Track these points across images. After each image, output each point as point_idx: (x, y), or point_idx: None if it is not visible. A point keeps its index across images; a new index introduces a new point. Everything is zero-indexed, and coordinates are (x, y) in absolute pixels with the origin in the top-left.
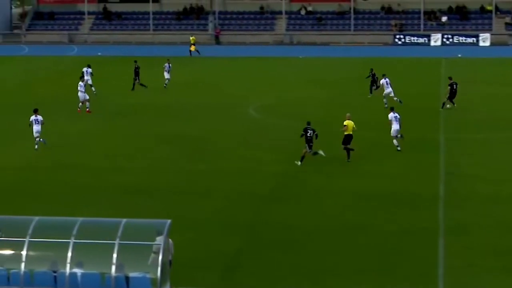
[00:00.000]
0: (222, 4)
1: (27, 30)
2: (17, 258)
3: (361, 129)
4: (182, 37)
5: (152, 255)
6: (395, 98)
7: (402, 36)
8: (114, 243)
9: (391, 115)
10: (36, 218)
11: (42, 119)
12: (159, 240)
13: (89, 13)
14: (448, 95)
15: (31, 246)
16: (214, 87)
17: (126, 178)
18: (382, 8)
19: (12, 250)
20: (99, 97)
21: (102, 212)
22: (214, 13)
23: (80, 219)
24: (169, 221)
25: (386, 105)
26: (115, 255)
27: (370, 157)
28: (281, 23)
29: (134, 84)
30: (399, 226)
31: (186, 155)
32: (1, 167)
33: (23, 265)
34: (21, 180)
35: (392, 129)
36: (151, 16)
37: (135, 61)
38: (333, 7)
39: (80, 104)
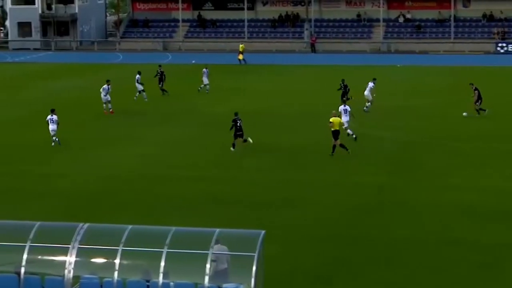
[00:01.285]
0: (318, 12)
1: (121, 37)
2: (110, 266)
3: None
4: (277, 45)
5: (212, 263)
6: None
7: (504, 44)
8: (207, 253)
9: (341, 108)
10: (129, 226)
11: (57, 118)
12: (217, 249)
13: (184, 20)
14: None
15: (124, 255)
16: (309, 95)
17: (218, 188)
18: (484, 15)
19: (105, 258)
20: (190, 106)
21: (193, 221)
22: (309, 20)
23: (173, 228)
24: (263, 232)
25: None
26: (208, 266)
27: (466, 168)
28: (379, 31)
29: (163, 90)
30: (498, 240)
31: (279, 164)
32: (96, 175)
33: (116, 273)
34: (110, 189)
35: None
36: (246, 23)
37: (159, 66)
38: (432, 14)
39: (104, 105)
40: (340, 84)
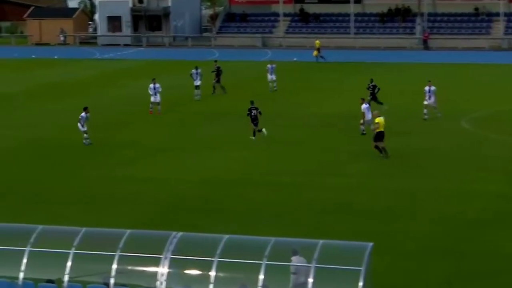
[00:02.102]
0: (431, 5)
1: (217, 33)
2: (204, 278)
3: None
4: (386, 41)
5: (292, 276)
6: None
7: None
8: (310, 267)
9: (363, 106)
10: (226, 236)
11: (88, 116)
12: (295, 260)
13: (285, 14)
14: None
15: (220, 267)
16: (422, 96)
17: (320, 195)
18: None
19: (200, 270)
20: (289, 107)
21: (294, 231)
22: (422, 15)
23: (273, 239)
24: (370, 244)
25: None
26: (311, 280)
27: None
28: (499, 26)
29: (216, 88)
30: None
31: (386, 171)
32: (188, 179)
33: (211, 286)
34: (204, 194)
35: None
36: (352, 18)
37: (215, 61)
38: None
39: (151, 105)
40: (368, 84)
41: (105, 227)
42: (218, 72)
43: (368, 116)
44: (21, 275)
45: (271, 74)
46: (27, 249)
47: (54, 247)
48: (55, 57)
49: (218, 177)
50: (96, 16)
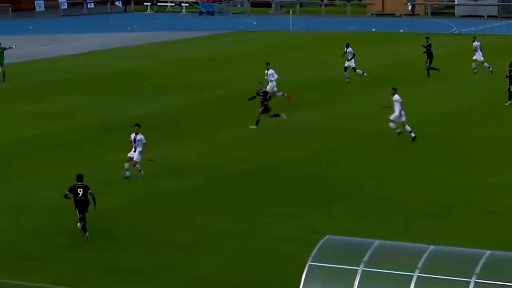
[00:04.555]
0: None
1: None
2: None
3: None
4: None
5: None
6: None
7: None
8: None
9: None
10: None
11: (143, 139)
12: None
13: None
14: None
15: None
16: None
17: None
18: None
19: None
20: None
21: None
22: None
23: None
24: None
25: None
26: None
27: None
28: None
29: (428, 70)
30: None
31: None
32: None
33: None
34: None
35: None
36: None
37: (427, 38)
38: None
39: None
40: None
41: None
42: (429, 53)
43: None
44: None
45: (478, 52)
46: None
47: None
48: (401, 30)
49: None
50: None
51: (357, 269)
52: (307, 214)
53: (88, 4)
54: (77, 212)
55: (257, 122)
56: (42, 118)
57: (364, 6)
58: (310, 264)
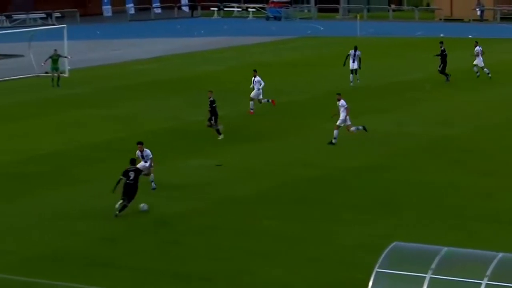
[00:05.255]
0: None
1: None
2: None
3: None
4: None
5: None
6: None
7: None
8: None
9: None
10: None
11: (149, 155)
12: None
13: None
14: None
15: None
16: None
17: None
18: None
19: None
20: None
21: None
22: None
23: None
24: None
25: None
26: None
27: None
28: None
29: (446, 75)
30: None
31: None
32: None
33: None
34: None
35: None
36: None
37: (441, 43)
38: None
39: (252, 102)
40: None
41: None
42: (443, 57)
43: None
44: None
45: (479, 57)
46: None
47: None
48: (469, 36)
49: None
50: None
51: (425, 276)
52: (374, 221)
53: (155, 9)
54: (123, 196)
55: (218, 131)
56: (114, 123)
57: (432, 11)
58: (377, 271)
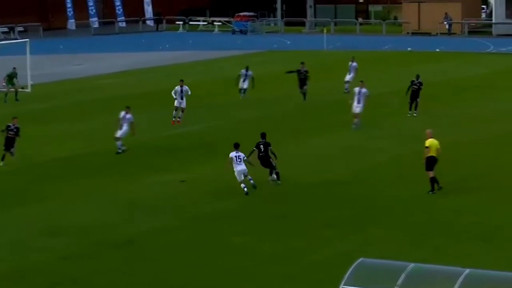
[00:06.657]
0: None
1: None
2: None
3: None
4: None
5: None
6: None
7: None
8: None
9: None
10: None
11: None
12: None
13: None
14: None
15: None
16: None
17: None
18: None
19: None
20: None
21: None
22: None
23: None
24: None
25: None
26: None
27: None
28: None
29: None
30: None
31: None
32: None
33: None
34: None
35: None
36: None
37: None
38: None
39: (174, 112)
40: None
41: None
42: None
43: None
44: None
45: None
46: None
47: None
48: (437, 50)
49: None
50: None
51: None
52: (344, 236)
53: (120, 23)
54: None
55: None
56: (77, 138)
57: (400, 24)
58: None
